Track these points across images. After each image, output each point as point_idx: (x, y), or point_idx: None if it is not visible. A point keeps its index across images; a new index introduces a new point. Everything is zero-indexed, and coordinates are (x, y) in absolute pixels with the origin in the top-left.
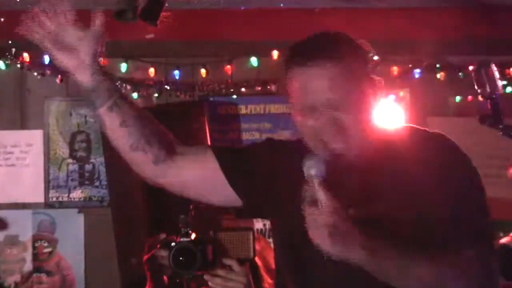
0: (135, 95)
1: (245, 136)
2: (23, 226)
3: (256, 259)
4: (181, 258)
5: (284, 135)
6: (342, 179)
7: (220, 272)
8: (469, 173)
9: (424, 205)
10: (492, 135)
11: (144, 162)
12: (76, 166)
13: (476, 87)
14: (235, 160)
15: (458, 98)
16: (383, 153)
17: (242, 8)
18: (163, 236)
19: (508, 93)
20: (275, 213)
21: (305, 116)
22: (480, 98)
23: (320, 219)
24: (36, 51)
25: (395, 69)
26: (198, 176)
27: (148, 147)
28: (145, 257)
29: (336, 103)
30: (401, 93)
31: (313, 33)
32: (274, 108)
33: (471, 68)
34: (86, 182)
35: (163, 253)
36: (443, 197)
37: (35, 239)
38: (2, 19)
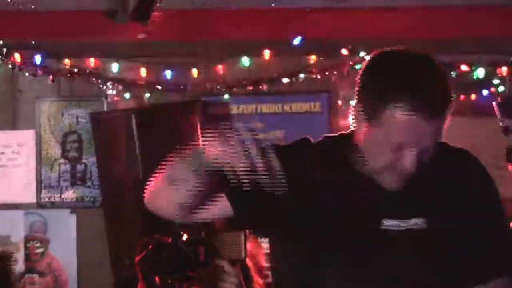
0: (127, 95)
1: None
2: (15, 227)
3: (247, 260)
4: (173, 259)
5: (275, 134)
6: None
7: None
8: (496, 190)
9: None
10: (485, 135)
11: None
12: (68, 167)
13: (500, 118)
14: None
15: None
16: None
17: (234, 8)
18: (155, 237)
19: (500, 92)
20: (284, 230)
21: (390, 150)
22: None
23: None
24: (27, 51)
25: None
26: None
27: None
28: (137, 258)
29: (430, 147)
30: None
31: (420, 63)
32: (266, 108)
33: (463, 67)
34: (78, 183)
35: (155, 254)
36: (481, 216)
37: (27, 239)
38: None
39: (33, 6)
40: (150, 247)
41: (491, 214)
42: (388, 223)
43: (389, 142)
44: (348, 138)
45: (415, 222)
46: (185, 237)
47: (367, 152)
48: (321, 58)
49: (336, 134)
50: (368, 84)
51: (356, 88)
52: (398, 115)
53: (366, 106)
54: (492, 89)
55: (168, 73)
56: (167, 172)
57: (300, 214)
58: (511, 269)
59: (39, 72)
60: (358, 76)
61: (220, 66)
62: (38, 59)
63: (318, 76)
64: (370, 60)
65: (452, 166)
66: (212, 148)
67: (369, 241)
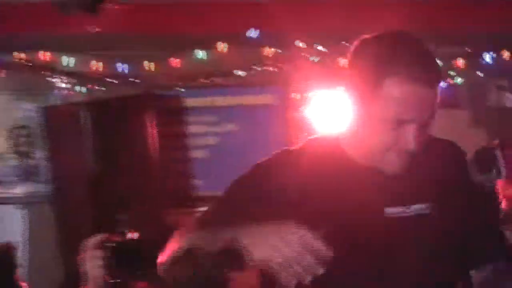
0: (79, 88)
1: (192, 129)
2: None
3: None
4: (119, 258)
5: (229, 127)
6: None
7: None
8: None
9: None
10: (443, 126)
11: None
12: (18, 162)
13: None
14: None
15: None
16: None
17: (189, 1)
18: (101, 235)
19: (459, 84)
20: None
21: (391, 126)
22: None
23: None
24: None
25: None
26: None
27: None
28: (83, 256)
29: (428, 121)
30: None
31: (408, 38)
32: (220, 101)
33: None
34: (29, 178)
35: (101, 253)
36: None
37: None
38: None
39: None
40: (95, 246)
41: (480, 203)
42: (392, 211)
43: (389, 117)
44: (335, 135)
45: (418, 208)
46: (132, 235)
47: (365, 138)
48: (276, 50)
49: (319, 135)
50: (361, 65)
51: (347, 76)
52: (397, 85)
53: (361, 87)
54: (450, 81)
55: (122, 67)
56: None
57: (306, 220)
58: (502, 255)
59: None
60: (348, 64)
61: (174, 59)
62: None
63: (273, 69)
64: (357, 45)
65: (441, 155)
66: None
67: (375, 230)
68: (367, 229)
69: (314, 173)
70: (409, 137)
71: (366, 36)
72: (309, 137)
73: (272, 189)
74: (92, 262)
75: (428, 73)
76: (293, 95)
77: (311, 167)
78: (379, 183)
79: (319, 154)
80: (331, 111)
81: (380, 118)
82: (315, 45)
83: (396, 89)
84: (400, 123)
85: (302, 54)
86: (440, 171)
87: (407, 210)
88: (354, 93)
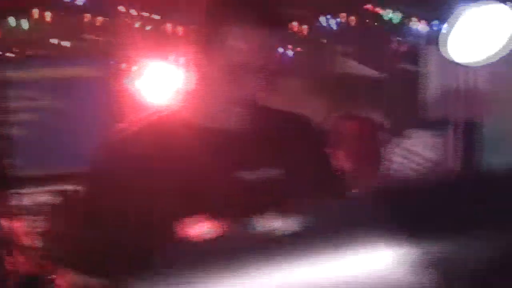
0: None
1: (10, 105)
2: None
3: None
4: None
5: (50, 102)
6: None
7: None
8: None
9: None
10: (295, 94)
11: None
12: None
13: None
14: None
15: None
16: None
17: None
18: None
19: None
20: None
21: (233, 77)
22: None
23: None
24: None
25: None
26: None
27: None
28: None
29: (270, 66)
30: None
31: None
32: (42, 73)
33: None
34: None
35: None
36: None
37: None
38: None
39: None
40: None
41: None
42: (240, 173)
43: (230, 67)
44: (173, 106)
45: (264, 171)
46: None
47: (207, 98)
48: (103, 18)
49: (155, 110)
50: (199, 19)
51: (184, 36)
52: (234, 30)
53: (199, 41)
54: (287, 47)
55: None
56: None
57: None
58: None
59: None
60: (183, 23)
61: None
62: None
63: (100, 39)
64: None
65: (289, 123)
66: None
67: (224, 194)
68: (216, 193)
69: (159, 151)
70: (251, 85)
71: None
72: (147, 114)
73: (118, 175)
74: None
75: (265, 17)
76: (122, 66)
77: (156, 146)
78: (225, 146)
79: (162, 130)
80: (163, 80)
81: (221, 69)
82: (144, 13)
83: (233, 35)
84: (241, 70)
85: (131, 22)
86: (288, 138)
87: (255, 173)
88: (192, 51)
